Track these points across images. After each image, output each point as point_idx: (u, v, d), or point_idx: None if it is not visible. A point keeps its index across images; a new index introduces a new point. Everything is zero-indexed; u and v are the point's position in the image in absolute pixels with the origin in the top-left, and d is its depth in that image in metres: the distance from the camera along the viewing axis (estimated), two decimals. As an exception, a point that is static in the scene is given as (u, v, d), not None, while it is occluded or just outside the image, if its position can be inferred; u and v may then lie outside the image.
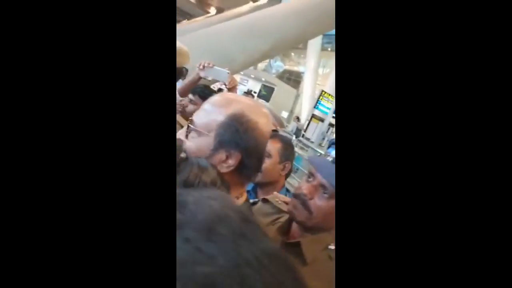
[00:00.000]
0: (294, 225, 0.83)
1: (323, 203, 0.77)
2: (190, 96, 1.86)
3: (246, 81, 14.12)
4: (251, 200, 1.02)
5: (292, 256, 0.74)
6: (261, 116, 0.71)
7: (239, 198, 0.72)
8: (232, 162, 0.66)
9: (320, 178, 0.78)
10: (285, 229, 0.84)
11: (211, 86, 1.97)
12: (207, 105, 0.72)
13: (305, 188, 0.79)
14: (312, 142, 6.29)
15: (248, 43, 5.16)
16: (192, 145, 0.68)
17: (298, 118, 8.28)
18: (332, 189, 0.76)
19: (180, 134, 0.71)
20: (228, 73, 1.61)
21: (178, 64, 1.40)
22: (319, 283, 0.71)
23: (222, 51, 5.01)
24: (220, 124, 0.67)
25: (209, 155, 0.66)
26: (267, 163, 1.29)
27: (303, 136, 6.79)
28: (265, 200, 0.98)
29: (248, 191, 1.33)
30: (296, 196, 0.80)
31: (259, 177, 1.28)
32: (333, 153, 0.80)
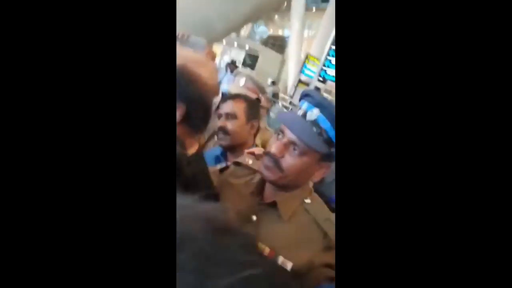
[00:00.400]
0: (268, 185, 0.82)
1: (293, 160, 0.75)
2: None
3: (229, 51, 13.74)
4: (220, 166, 1.03)
5: (270, 214, 0.79)
6: (205, 70, 0.73)
7: (190, 149, 0.75)
8: (178, 113, 0.69)
9: (289, 134, 0.75)
10: (259, 190, 0.84)
11: None
12: None
13: (274, 147, 0.76)
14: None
15: (228, 7, 4.93)
16: None
17: (273, 82, 8.22)
18: (302, 144, 0.74)
19: None
20: (205, 42, 1.52)
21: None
22: (299, 235, 0.77)
23: (201, 18, 4.80)
24: None
25: None
26: (233, 125, 1.27)
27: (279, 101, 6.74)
28: (236, 163, 0.98)
29: (217, 156, 1.33)
30: (266, 155, 0.79)
31: (227, 141, 1.28)
32: (304, 106, 0.77)
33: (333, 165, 0.82)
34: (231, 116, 1.29)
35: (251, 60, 12.85)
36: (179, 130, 0.72)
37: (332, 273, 0.72)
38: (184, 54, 0.74)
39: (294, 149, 0.75)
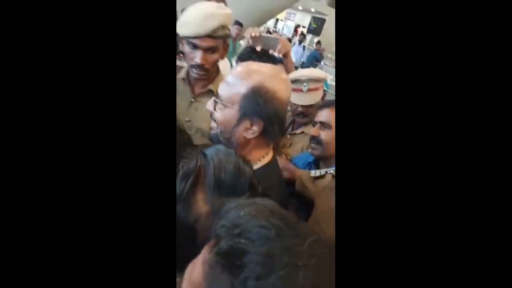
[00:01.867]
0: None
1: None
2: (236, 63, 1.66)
3: (293, 15, 13.00)
4: (314, 173, 1.15)
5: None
6: (280, 84, 0.76)
7: (264, 158, 0.81)
8: (256, 129, 0.75)
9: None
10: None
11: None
12: (230, 77, 0.79)
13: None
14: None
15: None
16: (219, 116, 0.78)
17: (319, 42, 7.50)
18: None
19: (209, 105, 0.81)
20: (278, 39, 1.48)
21: (220, 31, 1.10)
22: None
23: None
24: (242, 97, 0.74)
25: (236, 124, 0.76)
26: (328, 135, 1.21)
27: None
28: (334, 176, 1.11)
29: (309, 163, 1.33)
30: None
31: (319, 151, 1.26)
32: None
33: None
34: (326, 126, 1.18)
35: (316, 24, 11.98)
36: (253, 144, 0.78)
37: None
38: (260, 70, 0.77)
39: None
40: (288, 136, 1.54)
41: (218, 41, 1.09)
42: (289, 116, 1.53)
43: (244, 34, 1.47)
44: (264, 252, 0.34)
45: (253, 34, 1.42)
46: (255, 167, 0.77)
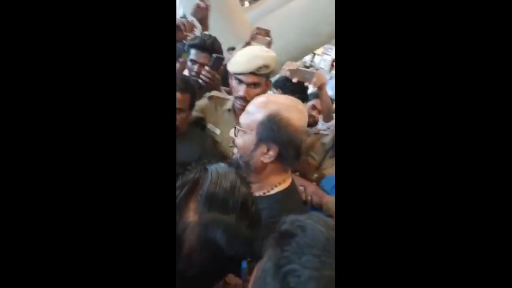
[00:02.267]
0: None
1: None
2: (273, 90, 1.83)
3: (330, 50, 13.19)
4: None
5: None
6: (295, 113, 0.83)
7: (281, 184, 0.85)
8: (272, 153, 0.81)
9: None
10: None
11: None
12: (250, 106, 0.88)
13: None
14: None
15: (333, 9, 4.57)
16: (240, 142, 0.86)
17: None
18: None
19: (231, 132, 0.89)
20: (314, 73, 1.66)
21: (272, 67, 1.32)
22: None
23: (307, 23, 4.56)
24: (259, 124, 0.82)
25: (253, 149, 0.83)
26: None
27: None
28: None
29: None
30: None
31: None
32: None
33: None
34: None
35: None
36: (270, 169, 0.83)
37: None
38: (278, 101, 0.84)
39: None
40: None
41: (261, 78, 1.28)
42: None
43: (283, 67, 1.67)
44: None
45: (289, 68, 1.62)
46: (272, 192, 0.83)
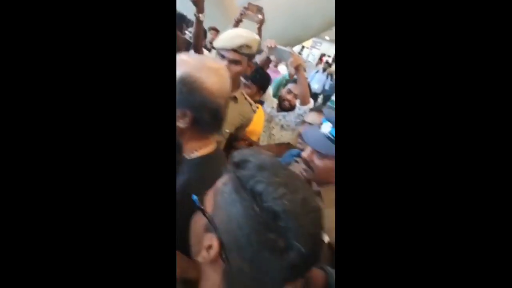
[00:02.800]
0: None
1: (319, 162, 0.99)
2: (244, 80, 1.81)
3: (319, 44, 13.24)
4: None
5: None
6: (212, 76, 0.78)
7: (202, 149, 0.82)
8: (187, 119, 0.77)
9: (310, 146, 1.01)
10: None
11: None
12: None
13: (305, 154, 1.02)
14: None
15: (326, 3, 4.57)
16: None
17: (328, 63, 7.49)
18: (323, 152, 0.98)
19: None
20: (291, 52, 1.65)
21: (254, 49, 1.36)
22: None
23: (297, 14, 4.55)
24: None
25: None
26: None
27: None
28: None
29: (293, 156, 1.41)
30: (303, 161, 1.03)
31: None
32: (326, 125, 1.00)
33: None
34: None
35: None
36: (189, 134, 0.80)
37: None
38: (190, 61, 0.79)
39: (318, 155, 0.99)
40: None
41: (242, 57, 1.34)
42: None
43: (263, 43, 1.70)
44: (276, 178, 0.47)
45: (268, 45, 1.68)
46: (193, 156, 0.83)
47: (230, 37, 1.33)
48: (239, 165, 0.52)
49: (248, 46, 1.33)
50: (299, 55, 1.71)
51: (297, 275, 0.50)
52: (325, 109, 1.07)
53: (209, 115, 0.79)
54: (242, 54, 1.33)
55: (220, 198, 0.51)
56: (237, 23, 2.11)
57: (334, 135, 0.97)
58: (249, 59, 1.39)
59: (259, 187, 0.48)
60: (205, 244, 0.52)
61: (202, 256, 0.52)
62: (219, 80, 0.81)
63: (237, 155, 0.53)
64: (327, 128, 0.99)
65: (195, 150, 0.82)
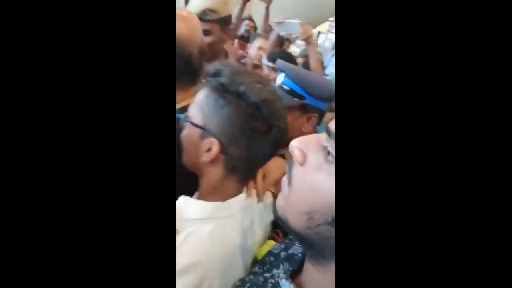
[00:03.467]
0: None
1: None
2: (268, 63, 1.67)
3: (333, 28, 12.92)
4: None
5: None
6: (178, 23, 0.74)
7: (184, 101, 0.78)
8: None
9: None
10: None
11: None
12: None
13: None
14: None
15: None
16: None
17: None
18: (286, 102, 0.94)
19: None
20: (300, 23, 1.53)
21: (222, 13, 1.21)
22: None
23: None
24: None
25: None
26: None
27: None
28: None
29: None
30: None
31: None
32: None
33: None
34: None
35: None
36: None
37: None
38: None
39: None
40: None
41: (211, 25, 1.13)
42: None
43: (272, 23, 1.61)
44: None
45: (276, 20, 1.57)
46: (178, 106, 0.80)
47: (195, 4, 1.14)
48: (216, 74, 0.62)
49: (211, 11, 1.13)
50: (309, 26, 1.58)
51: (278, 148, 0.64)
52: (279, 61, 1.02)
53: (181, 64, 0.76)
54: (207, 21, 1.13)
55: (207, 108, 0.62)
56: (244, 3, 1.98)
57: (289, 86, 0.97)
58: (223, 26, 1.19)
59: (242, 88, 0.59)
60: (204, 149, 0.61)
61: (205, 156, 0.61)
62: (186, 26, 0.78)
63: (211, 67, 0.63)
64: (280, 79, 0.98)
65: (178, 102, 0.80)
